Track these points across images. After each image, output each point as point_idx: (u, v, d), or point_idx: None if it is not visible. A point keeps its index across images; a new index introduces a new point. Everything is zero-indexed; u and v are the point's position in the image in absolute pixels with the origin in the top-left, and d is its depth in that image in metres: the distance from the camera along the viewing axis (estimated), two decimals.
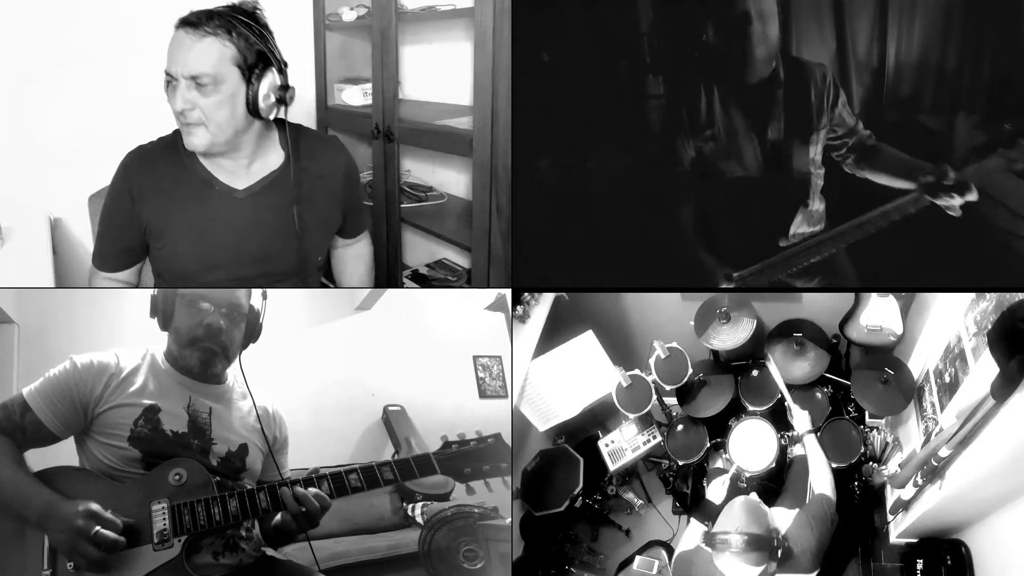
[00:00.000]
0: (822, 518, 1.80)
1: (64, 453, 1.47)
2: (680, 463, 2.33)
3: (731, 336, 2.26)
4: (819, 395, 2.26)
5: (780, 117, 1.83)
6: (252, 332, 1.59)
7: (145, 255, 1.91)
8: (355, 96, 3.12)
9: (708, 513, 1.96)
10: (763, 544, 1.67)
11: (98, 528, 1.29)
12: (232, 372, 1.59)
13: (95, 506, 1.32)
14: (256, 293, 1.60)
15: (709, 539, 1.73)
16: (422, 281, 3.05)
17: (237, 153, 1.78)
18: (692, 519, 1.92)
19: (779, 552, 1.69)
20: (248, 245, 1.81)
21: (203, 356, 1.52)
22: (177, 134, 1.80)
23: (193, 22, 1.65)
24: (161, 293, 1.55)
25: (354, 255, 2.16)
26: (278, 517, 1.49)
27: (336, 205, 1.95)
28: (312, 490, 1.44)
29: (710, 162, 1.84)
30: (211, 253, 1.80)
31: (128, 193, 1.78)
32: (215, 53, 1.64)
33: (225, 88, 1.66)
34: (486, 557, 2.23)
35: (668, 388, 2.28)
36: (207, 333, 1.52)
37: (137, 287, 1.97)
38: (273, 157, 1.84)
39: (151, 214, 1.79)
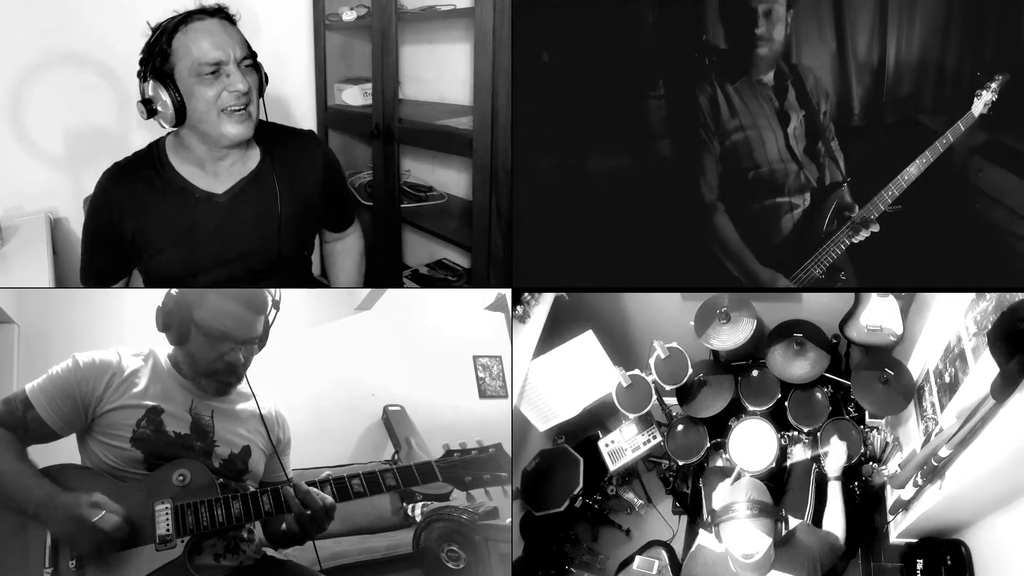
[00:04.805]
0: (827, 551, 1.80)
1: (65, 451, 1.47)
2: (680, 463, 2.33)
3: (731, 336, 2.26)
4: (819, 395, 2.27)
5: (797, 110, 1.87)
6: (261, 344, 1.59)
7: (131, 269, 1.92)
8: (355, 96, 3.11)
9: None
10: (771, 512, 1.68)
11: (104, 512, 1.30)
12: None
13: (100, 496, 1.33)
14: (269, 303, 1.57)
15: (715, 514, 1.72)
16: (422, 281, 3.05)
17: (234, 151, 1.79)
18: (701, 531, 1.92)
19: (782, 529, 1.70)
20: (233, 246, 1.83)
21: (220, 387, 1.54)
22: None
23: (213, 12, 1.70)
24: (175, 313, 1.51)
25: (343, 250, 2.17)
26: (284, 523, 1.49)
27: (317, 197, 1.95)
28: (315, 490, 1.44)
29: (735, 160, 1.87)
30: (197, 258, 1.81)
31: (108, 213, 1.79)
32: (244, 37, 1.72)
33: (255, 69, 1.74)
34: (473, 558, 2.24)
35: (668, 388, 2.28)
36: (227, 368, 1.52)
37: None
38: (251, 157, 1.86)
39: (134, 229, 1.79)
